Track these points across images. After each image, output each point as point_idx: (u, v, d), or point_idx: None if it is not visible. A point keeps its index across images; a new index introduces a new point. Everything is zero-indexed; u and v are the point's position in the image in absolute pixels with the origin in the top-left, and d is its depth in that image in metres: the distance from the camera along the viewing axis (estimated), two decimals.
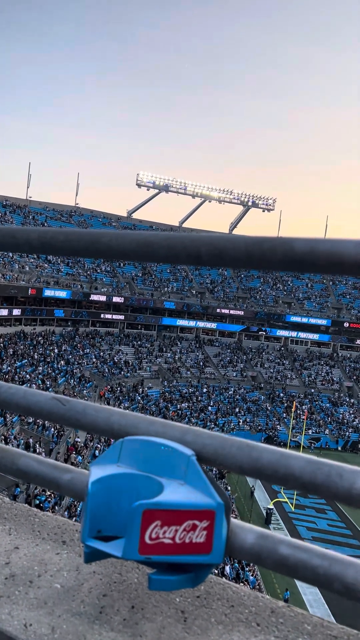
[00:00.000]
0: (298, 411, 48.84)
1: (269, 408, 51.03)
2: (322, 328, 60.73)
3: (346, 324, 60.25)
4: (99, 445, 30.52)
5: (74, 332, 51.97)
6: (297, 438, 43.58)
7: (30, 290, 46.61)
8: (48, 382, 38.00)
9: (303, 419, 46.39)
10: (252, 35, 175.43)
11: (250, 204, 72.78)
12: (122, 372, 48.91)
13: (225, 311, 58.95)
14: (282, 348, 61.34)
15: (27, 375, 37.11)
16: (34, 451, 23.29)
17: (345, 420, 50.82)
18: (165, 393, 48.52)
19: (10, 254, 46.06)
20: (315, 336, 61.14)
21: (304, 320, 60.05)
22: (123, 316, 56.20)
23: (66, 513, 21.91)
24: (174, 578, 1.04)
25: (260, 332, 60.56)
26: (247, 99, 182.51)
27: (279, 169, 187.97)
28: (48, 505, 21.47)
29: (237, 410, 49.44)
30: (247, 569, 23.23)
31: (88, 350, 49.69)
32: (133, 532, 0.98)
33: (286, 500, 33.41)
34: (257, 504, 32.53)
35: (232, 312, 59.03)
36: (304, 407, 50.51)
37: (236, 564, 22.90)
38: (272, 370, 57.09)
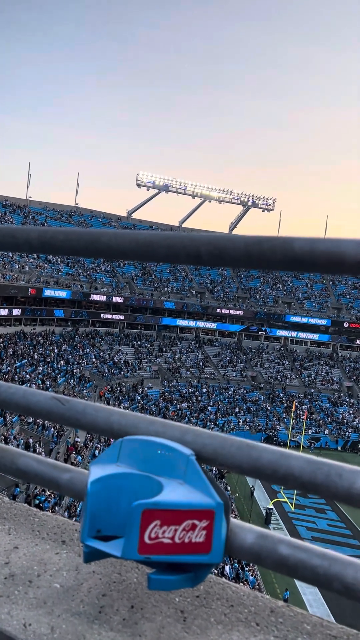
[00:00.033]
0: (298, 411, 48.85)
1: (268, 408, 51.03)
2: (322, 328, 60.73)
3: (346, 324, 60.25)
4: (98, 445, 30.51)
5: (74, 332, 51.97)
6: (297, 438, 43.60)
7: (30, 290, 46.62)
8: (48, 382, 38.00)
9: (303, 419, 46.41)
10: (252, 35, 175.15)
11: (250, 204, 72.77)
12: (122, 372, 48.92)
13: (225, 311, 58.95)
14: (282, 348, 61.34)
15: (27, 375, 37.12)
16: (34, 451, 23.27)
17: (345, 420, 50.83)
18: (165, 393, 48.53)
19: (10, 254, 46.04)
20: (315, 336, 61.16)
21: (304, 320, 60.06)
22: (123, 316, 56.22)
23: (66, 513, 21.92)
24: (173, 578, 1.04)
25: (260, 332, 60.56)
26: (247, 99, 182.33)
27: (279, 169, 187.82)
28: (48, 505, 21.46)
29: (236, 410, 49.45)
30: (246, 568, 23.22)
31: (88, 350, 49.70)
32: (132, 532, 0.98)
33: (286, 500, 33.42)
34: (257, 504, 32.53)
35: (232, 312, 59.02)
36: (303, 407, 50.51)
37: (236, 564, 22.90)
38: (272, 370, 57.09)
